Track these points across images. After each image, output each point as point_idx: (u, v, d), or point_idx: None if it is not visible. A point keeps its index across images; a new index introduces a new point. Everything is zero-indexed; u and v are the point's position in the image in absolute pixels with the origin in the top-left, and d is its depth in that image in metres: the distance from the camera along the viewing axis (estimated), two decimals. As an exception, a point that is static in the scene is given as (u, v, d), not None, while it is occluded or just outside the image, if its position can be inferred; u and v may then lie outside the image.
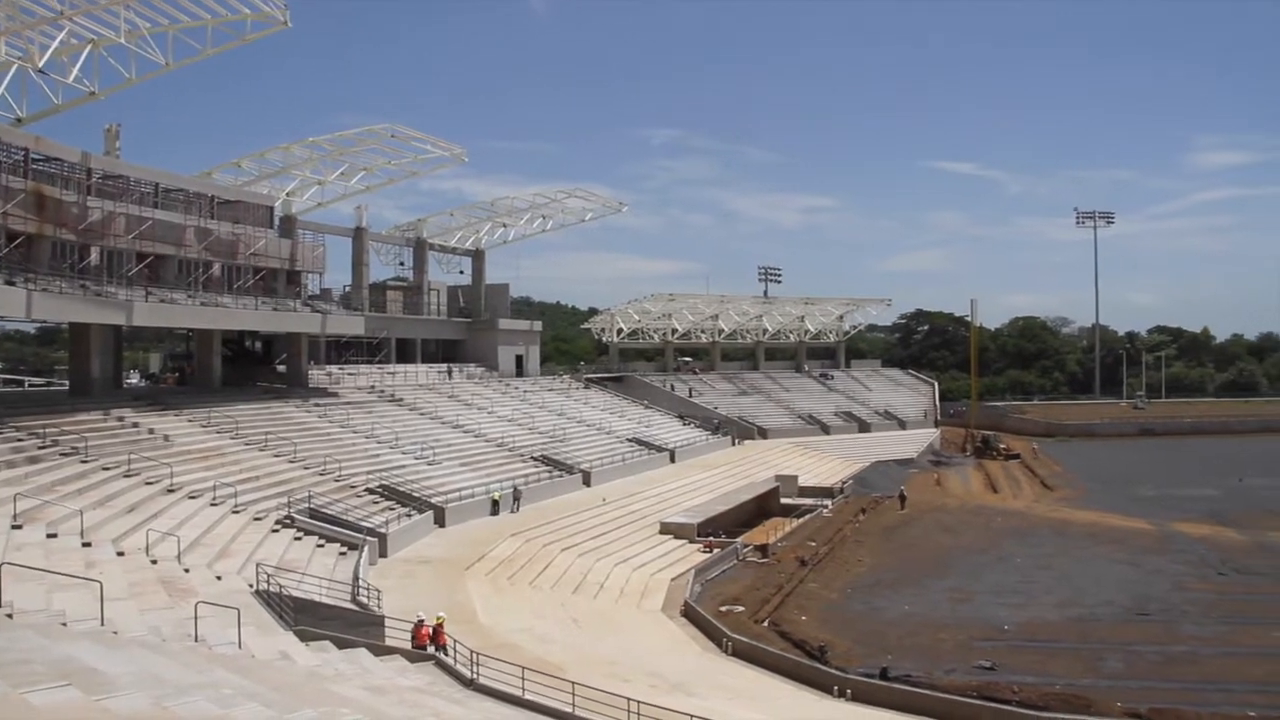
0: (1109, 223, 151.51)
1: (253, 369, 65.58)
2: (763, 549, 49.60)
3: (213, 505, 36.87)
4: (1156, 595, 40.88)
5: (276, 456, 46.79)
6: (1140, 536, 54.08)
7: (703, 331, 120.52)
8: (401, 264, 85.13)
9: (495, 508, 49.90)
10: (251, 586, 27.10)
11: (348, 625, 25.32)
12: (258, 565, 28.31)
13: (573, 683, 21.63)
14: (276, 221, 65.42)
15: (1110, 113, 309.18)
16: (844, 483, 73.15)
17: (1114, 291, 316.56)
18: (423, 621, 25.66)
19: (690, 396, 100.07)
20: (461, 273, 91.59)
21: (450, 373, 79.37)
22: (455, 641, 24.70)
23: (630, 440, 74.24)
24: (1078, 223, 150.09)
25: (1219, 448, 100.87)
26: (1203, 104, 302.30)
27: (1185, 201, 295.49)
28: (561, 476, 59.05)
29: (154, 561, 27.21)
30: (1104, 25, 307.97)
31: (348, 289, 78.35)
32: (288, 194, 69.51)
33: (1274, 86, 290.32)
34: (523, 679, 22.02)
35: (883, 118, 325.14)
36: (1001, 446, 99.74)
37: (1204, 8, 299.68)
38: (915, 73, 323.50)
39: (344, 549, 36.67)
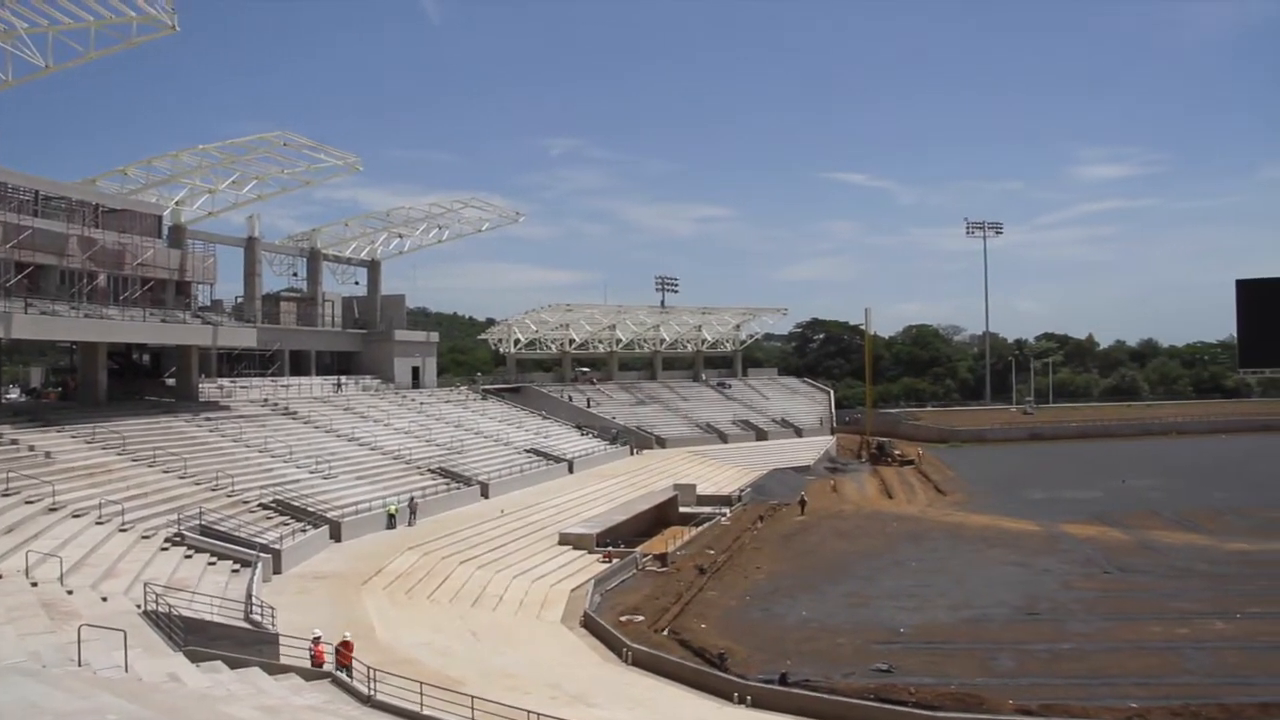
0: (998, 233, 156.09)
1: (140, 383, 63.77)
2: (662, 558, 49.79)
3: (98, 524, 35.75)
4: (1045, 595, 42.17)
5: (166, 472, 45.59)
6: (1030, 538, 55.63)
7: (600, 341, 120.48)
8: (295, 275, 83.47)
9: (392, 521, 49.25)
10: (139, 607, 26.32)
11: (240, 644, 24.76)
12: (146, 585, 27.50)
13: (472, 696, 21.52)
14: (165, 231, 63.86)
15: (998, 125, 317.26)
16: (742, 490, 73.88)
17: (1003, 300, 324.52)
18: (319, 638, 25.22)
19: (588, 406, 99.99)
20: (357, 283, 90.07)
21: (340, 385, 77.95)
22: (353, 658, 24.34)
23: (528, 451, 73.89)
24: (968, 233, 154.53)
25: (1103, 451, 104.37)
26: (1087, 118, 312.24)
27: (1070, 212, 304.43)
28: (459, 488, 58.54)
29: (34, 584, 26.30)
30: (989, 40, 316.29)
31: (240, 300, 76.66)
32: (176, 203, 67.74)
33: (1153, 102, 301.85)
34: (421, 694, 21.80)
35: (776, 128, 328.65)
36: (896, 452, 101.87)
37: (1088, 24, 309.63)
38: (808, 83, 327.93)
39: (237, 566, 35.88)
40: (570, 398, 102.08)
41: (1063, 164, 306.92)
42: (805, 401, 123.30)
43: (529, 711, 21.02)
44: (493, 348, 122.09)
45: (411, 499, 52.00)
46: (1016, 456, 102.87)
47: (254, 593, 31.18)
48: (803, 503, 67.00)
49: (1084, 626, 37.11)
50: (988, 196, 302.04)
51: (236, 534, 39.19)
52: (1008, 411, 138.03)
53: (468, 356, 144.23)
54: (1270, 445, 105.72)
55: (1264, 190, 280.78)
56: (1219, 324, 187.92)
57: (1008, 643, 35.10)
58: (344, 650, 24.80)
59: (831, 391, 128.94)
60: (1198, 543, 53.01)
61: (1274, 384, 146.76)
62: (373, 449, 61.71)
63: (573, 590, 43.88)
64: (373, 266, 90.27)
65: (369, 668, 23.06)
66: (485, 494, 60.03)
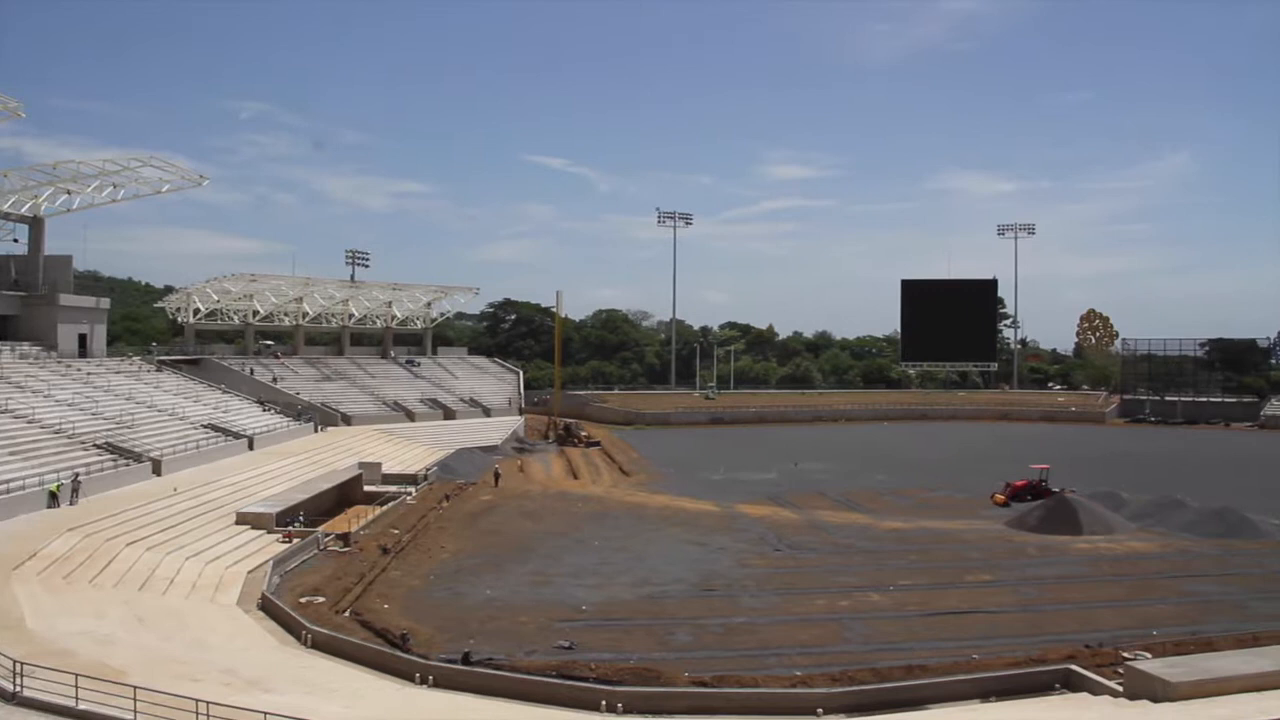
0: (688, 224, 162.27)
1: None
2: (344, 537, 48.94)
3: None
4: (721, 572, 44.38)
5: None
6: (708, 518, 58.30)
7: (286, 314, 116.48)
8: (-58, 229, 76.12)
9: (54, 500, 45.91)
10: None
11: None
12: None
13: (134, 687, 20.54)
14: None
15: (693, 121, 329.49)
16: (428, 469, 73.55)
17: (692, 289, 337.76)
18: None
19: (273, 382, 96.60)
20: (16, 240, 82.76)
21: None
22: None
23: (206, 426, 70.63)
24: (660, 222, 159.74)
25: (779, 435, 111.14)
26: (774, 122, 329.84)
27: (755, 209, 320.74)
28: (129, 465, 55.21)
29: None
30: (687, 37, 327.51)
31: (-128, 255, 69.10)
32: None
33: (836, 112, 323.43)
34: (76, 687, 20.62)
35: (476, 107, 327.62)
36: (583, 434, 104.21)
37: (785, 36, 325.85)
38: (510, 63, 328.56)
39: None
40: (253, 372, 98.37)
41: (750, 163, 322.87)
42: (494, 381, 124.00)
43: (198, 700, 20.27)
44: (170, 317, 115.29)
45: (75, 476, 48.62)
46: (698, 439, 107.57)
47: (-117, 581, 28.43)
48: (497, 476, 68.97)
49: (755, 601, 39.41)
50: (681, 189, 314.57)
51: None
52: (691, 396, 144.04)
53: (143, 325, 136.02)
54: (925, 432, 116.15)
55: (929, 199, 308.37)
56: (886, 319, 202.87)
57: (685, 618, 36.79)
58: None
59: (521, 372, 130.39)
60: (859, 521, 57.23)
61: (930, 376, 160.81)
62: (30, 422, 57.14)
63: (250, 572, 42.39)
64: (35, 223, 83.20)
65: (15, 661, 21.55)
66: (158, 471, 56.91)
